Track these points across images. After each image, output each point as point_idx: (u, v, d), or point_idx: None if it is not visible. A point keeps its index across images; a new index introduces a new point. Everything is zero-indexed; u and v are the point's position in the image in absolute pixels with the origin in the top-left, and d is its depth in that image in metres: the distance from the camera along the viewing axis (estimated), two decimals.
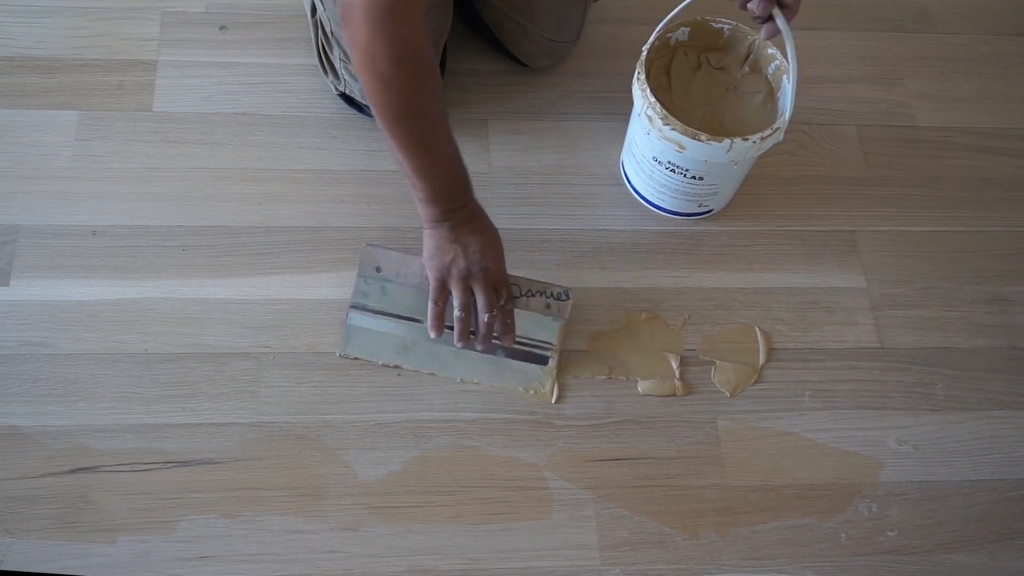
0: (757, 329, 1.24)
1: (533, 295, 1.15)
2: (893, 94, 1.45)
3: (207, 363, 1.17)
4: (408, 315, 1.18)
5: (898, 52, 1.48)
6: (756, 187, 1.34)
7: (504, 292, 1.14)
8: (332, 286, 1.22)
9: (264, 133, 1.33)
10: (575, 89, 1.41)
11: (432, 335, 1.15)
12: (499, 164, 1.33)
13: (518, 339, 1.17)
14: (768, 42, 1.18)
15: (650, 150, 1.21)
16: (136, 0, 1.42)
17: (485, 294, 1.12)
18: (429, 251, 1.12)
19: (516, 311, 1.16)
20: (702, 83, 1.24)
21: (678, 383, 1.20)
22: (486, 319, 1.13)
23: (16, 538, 1.05)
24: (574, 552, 1.10)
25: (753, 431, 1.18)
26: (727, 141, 1.12)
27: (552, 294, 1.15)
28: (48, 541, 1.06)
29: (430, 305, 1.14)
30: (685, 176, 1.21)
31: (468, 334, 1.14)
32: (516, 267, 1.23)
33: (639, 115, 1.19)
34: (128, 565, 1.06)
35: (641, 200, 1.32)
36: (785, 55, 1.12)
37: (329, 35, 1.24)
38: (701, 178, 1.21)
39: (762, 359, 1.22)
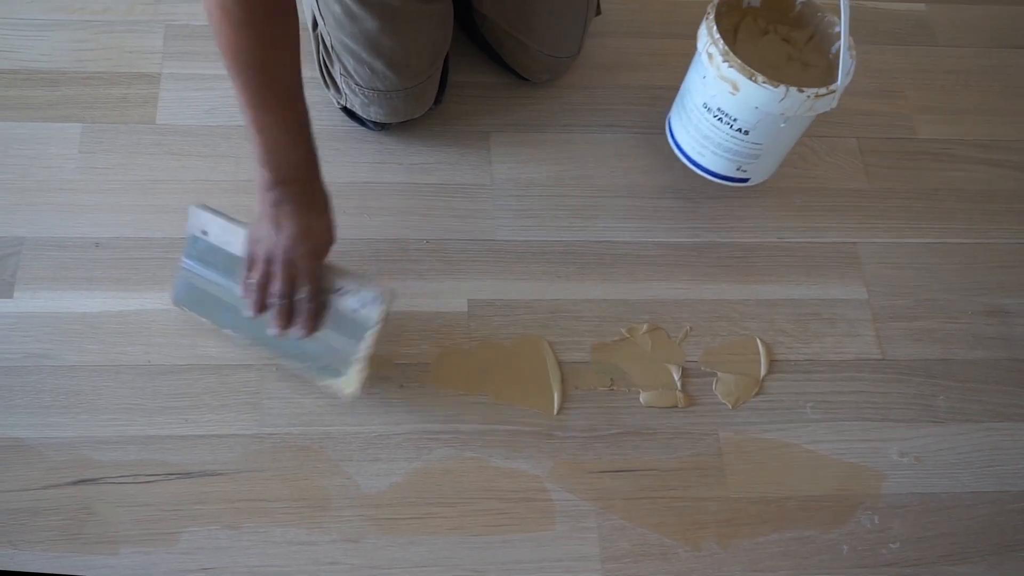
0: (758, 340, 1.24)
1: (344, 293, 1.07)
2: (894, 106, 1.46)
3: (210, 375, 1.17)
4: (234, 280, 1.11)
5: (899, 64, 1.48)
6: (756, 198, 1.35)
7: (305, 289, 1.05)
8: None
9: None
10: (577, 102, 1.41)
11: (245, 311, 1.08)
12: (501, 176, 1.34)
13: (331, 334, 1.09)
14: (835, 21, 1.20)
15: (702, 96, 1.22)
16: (140, 13, 1.43)
17: (281, 283, 1.04)
18: (254, 219, 1.06)
19: (331, 306, 1.09)
20: (766, 48, 1.26)
21: (680, 395, 1.20)
22: (277, 304, 1.05)
23: (19, 550, 1.06)
24: (576, 564, 1.10)
25: (755, 443, 1.18)
26: (782, 87, 1.13)
27: (365, 298, 1.06)
28: (51, 553, 1.06)
29: (241, 276, 1.08)
30: (731, 127, 1.21)
31: (259, 309, 1.07)
32: (516, 281, 1.24)
33: (700, 54, 1.20)
34: None
35: (682, 157, 1.32)
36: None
37: (330, 49, 1.25)
38: (747, 132, 1.21)
39: (763, 371, 1.22)
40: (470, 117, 1.39)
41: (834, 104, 1.17)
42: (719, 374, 1.22)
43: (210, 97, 1.36)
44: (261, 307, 1.07)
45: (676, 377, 1.21)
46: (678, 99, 1.31)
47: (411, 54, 1.22)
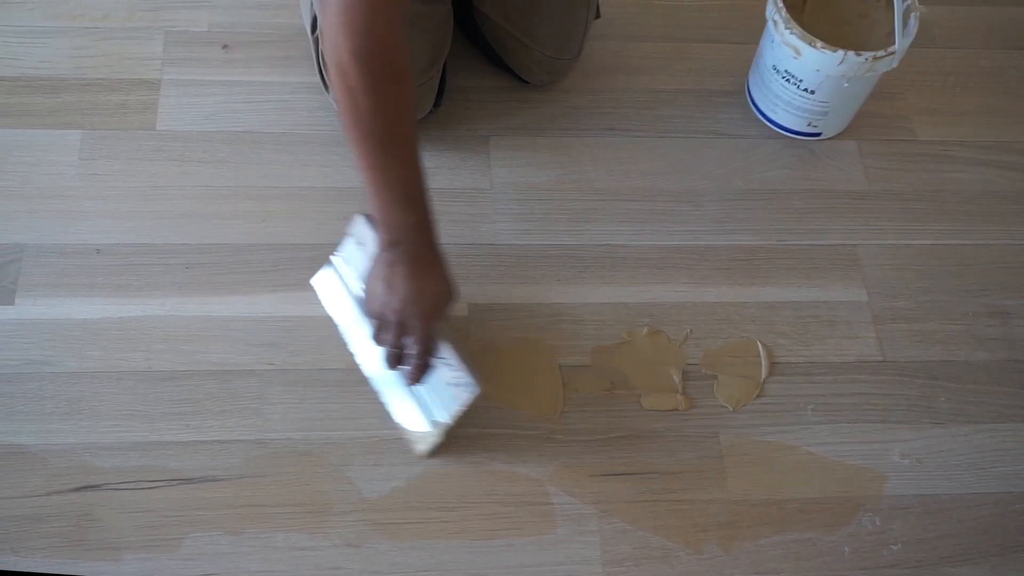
0: (759, 343, 1.24)
1: (448, 365, 1.09)
2: (893, 108, 1.46)
3: (211, 380, 1.17)
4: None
5: (898, 66, 1.48)
6: (756, 200, 1.35)
7: (412, 339, 1.06)
8: None
9: (267, 151, 1.33)
10: (577, 105, 1.42)
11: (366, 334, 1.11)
12: (500, 180, 1.34)
13: (427, 390, 1.11)
14: None
15: (771, 58, 1.30)
16: (139, 20, 1.43)
17: (392, 342, 1.07)
18: (368, 273, 1.08)
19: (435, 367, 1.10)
20: (837, 6, 1.32)
21: (680, 397, 1.20)
22: (387, 354, 1.08)
23: (21, 556, 1.06)
24: (577, 567, 1.10)
25: (756, 445, 1.18)
26: (840, 52, 1.21)
27: (458, 380, 1.08)
28: (53, 559, 1.06)
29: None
30: (798, 87, 1.29)
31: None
32: (516, 285, 1.24)
33: (768, 19, 1.28)
34: None
35: (758, 114, 1.40)
36: None
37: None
38: (813, 92, 1.29)
39: (764, 373, 1.22)
40: (470, 121, 1.39)
41: (895, 64, 1.23)
42: (720, 376, 1.22)
43: (210, 103, 1.36)
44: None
45: (676, 380, 1.21)
46: (754, 61, 1.39)
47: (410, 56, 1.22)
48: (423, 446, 1.13)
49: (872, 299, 1.29)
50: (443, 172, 1.34)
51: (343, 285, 1.17)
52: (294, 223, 1.28)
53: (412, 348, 1.07)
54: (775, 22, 1.26)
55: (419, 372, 1.08)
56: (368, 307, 1.08)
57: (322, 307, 1.20)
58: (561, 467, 1.15)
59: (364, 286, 1.08)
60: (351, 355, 1.17)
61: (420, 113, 1.31)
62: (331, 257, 1.19)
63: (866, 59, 1.21)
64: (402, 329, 1.06)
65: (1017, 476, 1.19)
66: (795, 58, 1.25)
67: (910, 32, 1.22)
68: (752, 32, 1.44)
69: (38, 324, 1.19)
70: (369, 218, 1.11)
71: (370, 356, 1.14)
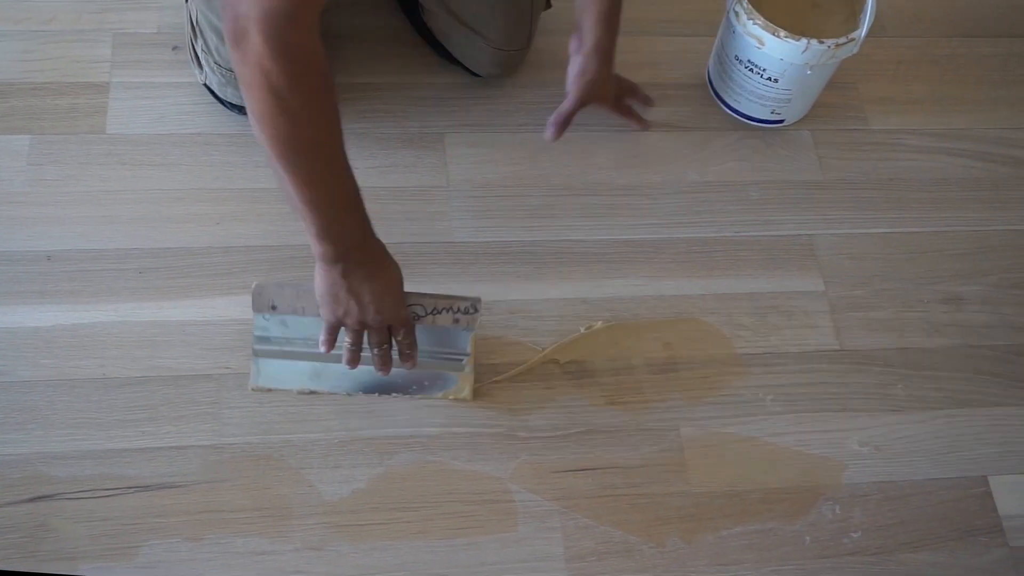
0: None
1: (439, 312, 1.11)
2: (846, 98, 1.47)
3: (167, 386, 1.16)
4: (314, 342, 1.10)
5: (850, 56, 1.49)
6: (713, 193, 1.35)
7: (401, 330, 1.08)
8: None
9: (219, 153, 1.32)
10: (531, 100, 1.41)
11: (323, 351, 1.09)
12: (457, 177, 1.33)
13: (433, 351, 1.14)
14: None
15: (733, 48, 1.31)
16: (87, 22, 1.41)
17: (377, 335, 1.07)
18: (321, 293, 1.03)
19: (428, 327, 1.12)
20: None
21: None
22: (376, 352, 1.08)
23: None
24: (541, 564, 1.10)
25: (716, 437, 1.19)
26: (804, 41, 1.23)
27: (459, 308, 1.11)
28: (8, 572, 1.04)
29: (322, 343, 1.08)
30: (762, 77, 1.31)
31: (356, 362, 1.09)
32: (474, 282, 1.24)
33: (728, 12, 1.29)
34: None
35: (720, 104, 1.42)
36: None
37: (195, 24, 1.23)
38: (776, 80, 1.30)
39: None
40: (425, 118, 1.38)
41: (855, 50, 1.26)
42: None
43: (160, 105, 1.35)
44: (358, 361, 1.09)
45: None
46: (714, 52, 1.40)
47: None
48: (464, 393, 1.17)
49: (829, 288, 1.30)
50: (399, 170, 1.33)
51: (287, 354, 1.14)
52: (249, 224, 1.27)
53: (404, 340, 1.09)
54: (736, 13, 1.26)
55: (414, 351, 1.10)
56: (341, 323, 1.06)
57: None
58: (523, 464, 1.15)
59: (325, 312, 1.05)
60: (340, 392, 1.17)
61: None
62: (256, 348, 1.14)
63: (828, 46, 1.23)
64: (384, 328, 1.06)
65: (974, 461, 1.20)
66: (758, 48, 1.26)
67: (870, 18, 1.23)
68: (707, 24, 1.45)
69: None
70: (263, 284, 1.09)
71: (355, 372, 1.12)
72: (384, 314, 1.05)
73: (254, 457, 1.13)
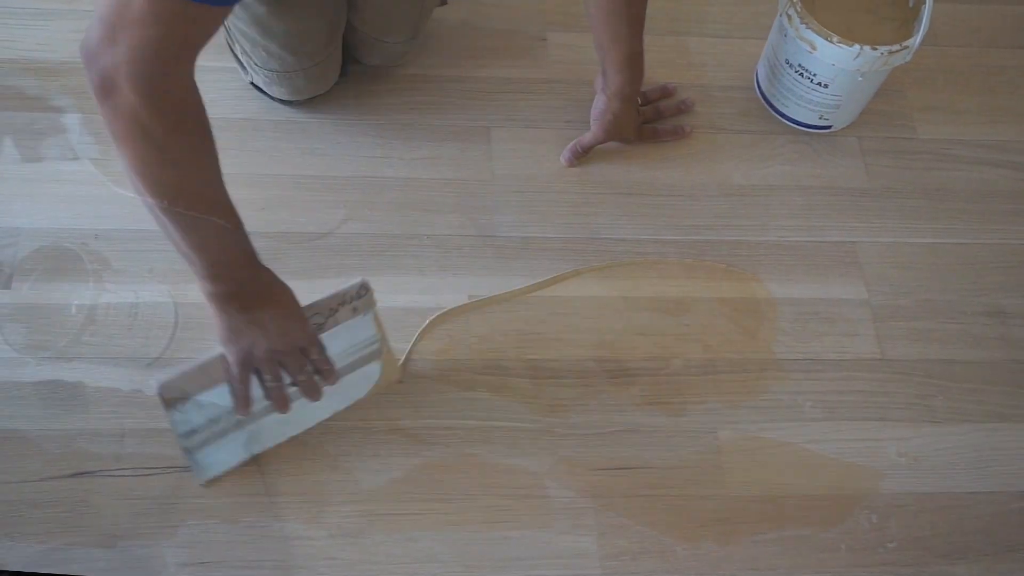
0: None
1: (336, 310, 1.06)
2: (895, 106, 1.45)
3: None
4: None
5: (900, 64, 1.48)
6: (757, 196, 1.35)
7: (313, 348, 1.04)
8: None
9: (267, 139, 1.33)
10: (578, 97, 1.40)
11: (240, 415, 1.04)
12: (502, 172, 1.34)
13: (346, 352, 1.10)
14: None
15: (784, 52, 1.31)
16: None
17: (293, 361, 1.03)
18: (224, 335, 0.99)
19: (331, 333, 1.07)
20: (845, 2, 1.33)
21: None
22: (301, 379, 1.04)
23: (16, 541, 1.05)
24: (574, 561, 1.10)
25: (753, 441, 1.18)
26: (856, 47, 1.22)
27: (352, 297, 1.06)
28: (49, 545, 1.05)
29: (233, 388, 1.02)
30: (812, 81, 1.30)
31: (286, 401, 1.05)
32: (517, 275, 1.24)
33: (780, 15, 1.29)
34: (128, 570, 1.05)
35: (768, 108, 1.41)
36: None
37: (229, 30, 1.24)
38: (826, 86, 1.29)
39: None
40: (471, 112, 1.38)
41: (908, 59, 1.25)
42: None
43: (210, 90, 1.35)
44: (286, 399, 1.05)
45: None
46: (764, 55, 1.39)
47: (304, 36, 1.21)
48: (392, 376, 1.16)
49: (871, 297, 1.29)
50: (444, 162, 1.34)
51: (219, 437, 1.08)
52: (293, 211, 1.28)
53: (319, 358, 1.05)
54: (789, 17, 1.26)
55: (330, 371, 1.06)
56: (243, 358, 1.00)
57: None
58: (560, 461, 1.15)
59: (231, 353, 1.00)
60: (285, 440, 1.14)
61: (325, 86, 1.33)
62: (183, 447, 1.07)
63: (881, 54, 1.22)
64: (297, 351, 1.02)
65: (1013, 475, 1.19)
66: (810, 52, 1.25)
67: (923, 27, 1.22)
68: (758, 27, 1.45)
69: (35, 309, 1.18)
70: (164, 381, 1.00)
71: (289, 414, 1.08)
72: (291, 335, 1.01)
73: (294, 442, 1.13)
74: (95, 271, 1.21)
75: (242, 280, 0.97)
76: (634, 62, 1.26)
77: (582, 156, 1.33)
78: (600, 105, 1.31)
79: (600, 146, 1.34)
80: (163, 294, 1.20)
